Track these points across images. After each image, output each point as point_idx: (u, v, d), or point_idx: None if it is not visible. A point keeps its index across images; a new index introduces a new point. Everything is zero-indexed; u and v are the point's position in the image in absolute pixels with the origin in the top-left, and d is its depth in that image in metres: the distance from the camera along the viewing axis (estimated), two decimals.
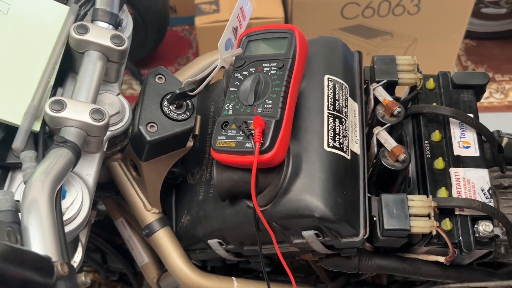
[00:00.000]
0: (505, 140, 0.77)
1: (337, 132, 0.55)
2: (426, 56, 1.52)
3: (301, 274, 0.83)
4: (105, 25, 0.54)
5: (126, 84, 1.91)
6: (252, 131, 0.49)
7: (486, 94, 1.68)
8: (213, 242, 0.59)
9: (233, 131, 0.51)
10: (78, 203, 0.50)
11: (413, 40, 1.49)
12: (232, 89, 0.55)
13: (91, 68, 0.51)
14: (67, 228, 0.49)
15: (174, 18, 2.07)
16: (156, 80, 0.57)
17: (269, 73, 0.54)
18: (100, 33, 0.52)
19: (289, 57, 0.55)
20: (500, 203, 0.70)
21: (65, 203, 0.49)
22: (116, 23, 0.55)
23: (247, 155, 0.50)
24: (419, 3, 1.38)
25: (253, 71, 0.55)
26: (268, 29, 0.59)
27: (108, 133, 0.55)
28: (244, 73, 0.56)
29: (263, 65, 0.55)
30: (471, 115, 0.61)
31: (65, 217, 0.49)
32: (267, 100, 0.52)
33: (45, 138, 0.49)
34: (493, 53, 1.79)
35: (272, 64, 0.55)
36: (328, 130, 0.54)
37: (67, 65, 0.55)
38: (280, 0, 1.45)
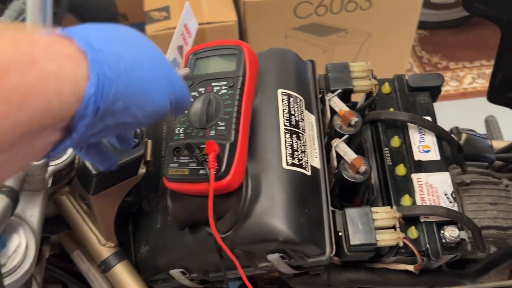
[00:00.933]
0: (463, 136, 0.78)
1: (295, 148, 0.53)
2: (382, 50, 1.53)
3: (275, 286, 0.81)
4: None
5: None
6: (206, 157, 0.47)
7: None
8: (175, 272, 0.56)
9: (185, 158, 0.48)
10: (21, 250, 0.46)
11: (368, 35, 1.50)
12: None
13: None
14: (12, 278, 0.45)
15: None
16: None
17: (220, 93, 0.52)
18: None
19: (239, 74, 0.52)
20: (464, 200, 0.70)
21: (7, 252, 0.45)
22: None
23: (202, 183, 0.47)
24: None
25: (203, 91, 0.52)
26: (215, 45, 0.56)
27: (51, 168, 0.51)
28: (193, 93, 0.53)
29: (213, 84, 0.52)
30: (429, 118, 0.60)
31: (8, 267, 0.45)
32: (219, 122, 0.49)
33: None
34: (446, 42, 1.82)
35: (222, 83, 0.52)
36: (286, 147, 0.52)
37: None
38: (232, 3, 1.43)
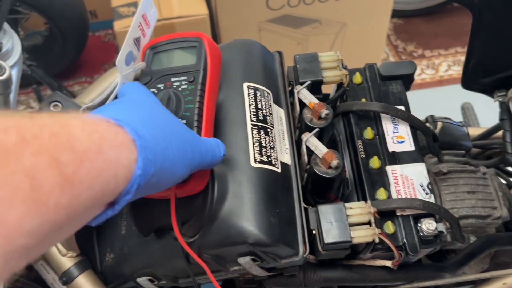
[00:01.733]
0: (439, 125, 0.76)
1: (263, 144, 0.50)
2: (356, 40, 1.51)
3: (254, 285, 0.79)
4: None
5: (23, 104, 1.79)
6: None
7: (418, 71, 1.70)
8: (142, 280, 0.53)
9: None
10: None
11: (342, 25, 1.47)
12: None
13: None
14: None
15: (95, 23, 1.96)
16: (52, 108, 0.50)
17: (180, 88, 0.48)
18: None
19: (199, 68, 0.49)
20: (441, 190, 0.68)
21: None
22: None
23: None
24: None
25: (162, 88, 0.49)
26: (174, 38, 0.52)
27: None
28: (152, 90, 0.49)
29: (172, 79, 0.49)
30: (402, 108, 0.58)
31: None
32: (180, 120, 0.46)
33: None
34: (420, 30, 1.81)
35: (182, 78, 0.49)
36: (253, 144, 0.49)
37: None
38: None
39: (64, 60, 1.80)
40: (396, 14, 1.79)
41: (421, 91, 1.59)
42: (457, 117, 0.91)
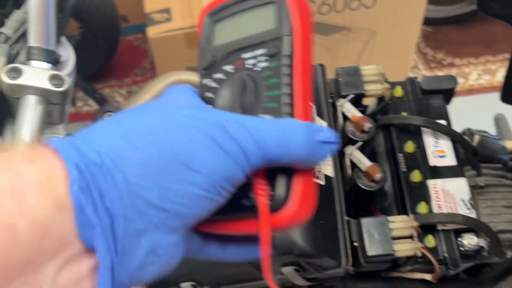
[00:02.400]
0: (476, 138, 0.76)
1: None
2: (386, 48, 1.51)
3: None
4: (42, 64, 0.48)
5: (82, 101, 1.83)
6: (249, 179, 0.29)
7: None
8: (186, 286, 0.54)
9: None
10: None
11: (372, 32, 1.48)
12: None
13: (29, 115, 0.46)
14: None
15: (126, 28, 1.99)
16: (105, 119, 0.52)
17: (257, 68, 0.33)
18: (36, 75, 0.46)
19: (282, 33, 0.33)
20: (478, 204, 0.68)
21: None
22: (54, 61, 0.50)
23: (249, 219, 0.30)
24: None
25: (231, 70, 0.34)
26: None
27: None
28: (216, 76, 0.34)
29: (244, 56, 0.34)
30: (443, 122, 0.59)
31: None
32: (263, 115, 0.31)
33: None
34: (450, 38, 1.80)
35: (259, 52, 0.33)
36: None
37: (3, 109, 0.50)
38: None
39: (96, 63, 1.84)
40: (425, 21, 1.78)
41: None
42: (487, 126, 0.91)
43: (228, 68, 0.34)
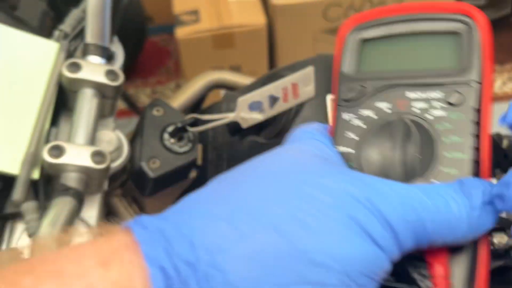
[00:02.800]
0: (505, 142, 0.77)
1: None
2: None
3: None
4: (98, 60, 0.52)
5: None
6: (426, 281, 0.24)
7: None
8: None
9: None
10: None
11: None
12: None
13: (87, 107, 0.49)
14: None
15: (152, 28, 2.04)
16: (155, 112, 0.55)
17: (429, 116, 0.26)
18: (93, 70, 0.50)
19: (471, 77, 0.26)
20: None
21: None
22: (109, 57, 0.53)
23: None
24: (402, 0, 1.38)
25: (387, 110, 0.27)
26: (405, 12, 0.28)
27: None
28: (364, 113, 0.27)
29: (410, 95, 0.26)
30: None
31: None
32: (434, 181, 0.25)
33: (45, 185, 0.47)
34: None
35: (433, 95, 0.26)
36: None
37: (59, 102, 0.53)
38: (260, 6, 1.44)
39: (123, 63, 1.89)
40: None
41: None
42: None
43: (384, 106, 0.26)
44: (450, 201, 0.22)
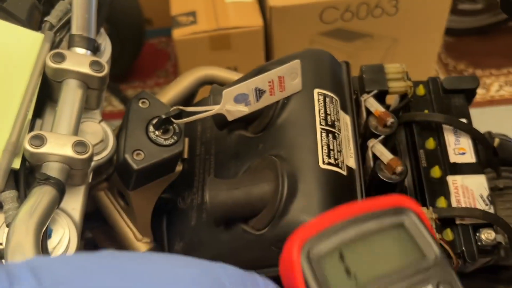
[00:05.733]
0: (496, 141, 0.77)
1: (331, 147, 0.53)
2: (407, 56, 1.52)
3: None
4: (83, 51, 0.51)
5: (105, 100, 1.87)
6: None
7: None
8: None
9: None
10: (65, 241, 0.47)
11: (393, 40, 1.49)
12: None
13: (70, 98, 0.49)
14: None
15: (151, 31, 2.04)
16: (140, 105, 0.54)
17: None
18: (78, 61, 0.49)
19: (438, 259, 0.28)
20: (497, 205, 0.69)
21: (51, 243, 0.46)
22: (94, 48, 0.53)
23: None
24: (397, 3, 1.38)
25: None
26: (348, 217, 0.30)
27: (92, 163, 0.52)
28: None
29: None
30: (464, 120, 0.60)
31: None
32: None
33: (26, 175, 0.47)
34: (472, 49, 1.80)
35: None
36: (322, 147, 0.53)
37: (44, 94, 0.53)
38: (257, 7, 1.44)
39: (120, 65, 1.89)
40: (447, 32, 1.78)
41: (471, 110, 1.58)
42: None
43: None
44: None
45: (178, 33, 1.41)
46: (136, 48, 1.88)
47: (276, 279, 0.57)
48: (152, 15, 2.07)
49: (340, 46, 1.49)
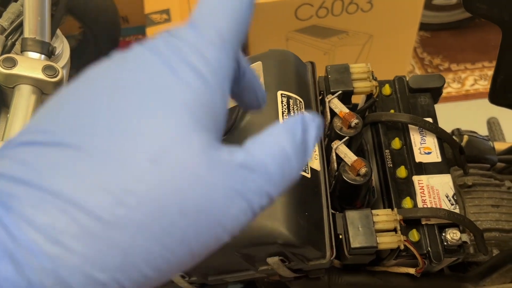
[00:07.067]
0: (465, 138, 0.77)
1: None
2: (383, 52, 1.52)
3: None
4: (36, 55, 0.50)
5: None
6: None
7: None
8: (174, 275, 0.55)
9: None
10: None
11: (369, 36, 1.49)
12: None
13: (23, 103, 0.47)
14: None
15: (127, 29, 2.01)
16: None
17: None
18: (30, 65, 0.48)
19: None
20: (465, 202, 0.69)
21: None
22: (49, 52, 0.51)
23: None
24: (371, 1, 1.38)
25: None
26: None
27: None
28: None
29: None
30: (430, 120, 0.60)
31: None
32: None
33: None
34: (447, 44, 1.81)
35: None
36: None
37: None
38: None
39: (95, 63, 1.86)
40: (423, 27, 1.79)
41: (447, 104, 1.59)
42: (483, 131, 0.92)
43: None
44: None
45: (151, 31, 1.39)
46: (112, 46, 1.84)
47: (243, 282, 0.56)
48: (127, 13, 2.04)
49: (316, 43, 1.48)
